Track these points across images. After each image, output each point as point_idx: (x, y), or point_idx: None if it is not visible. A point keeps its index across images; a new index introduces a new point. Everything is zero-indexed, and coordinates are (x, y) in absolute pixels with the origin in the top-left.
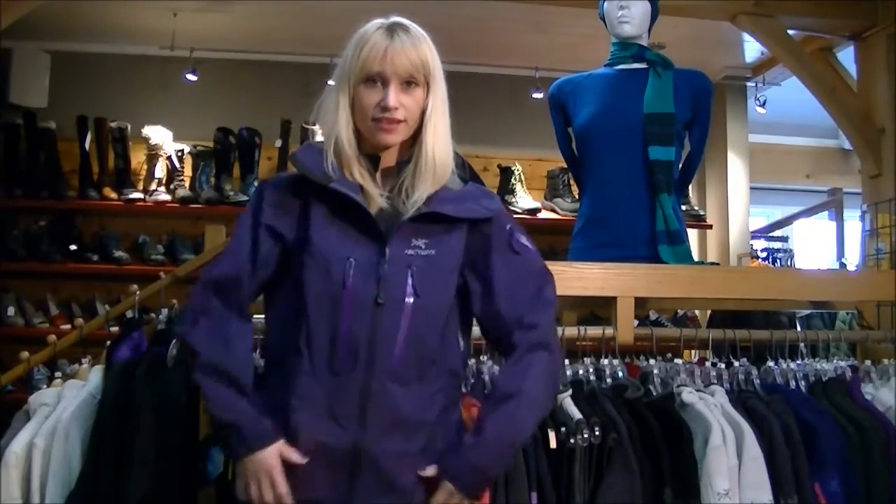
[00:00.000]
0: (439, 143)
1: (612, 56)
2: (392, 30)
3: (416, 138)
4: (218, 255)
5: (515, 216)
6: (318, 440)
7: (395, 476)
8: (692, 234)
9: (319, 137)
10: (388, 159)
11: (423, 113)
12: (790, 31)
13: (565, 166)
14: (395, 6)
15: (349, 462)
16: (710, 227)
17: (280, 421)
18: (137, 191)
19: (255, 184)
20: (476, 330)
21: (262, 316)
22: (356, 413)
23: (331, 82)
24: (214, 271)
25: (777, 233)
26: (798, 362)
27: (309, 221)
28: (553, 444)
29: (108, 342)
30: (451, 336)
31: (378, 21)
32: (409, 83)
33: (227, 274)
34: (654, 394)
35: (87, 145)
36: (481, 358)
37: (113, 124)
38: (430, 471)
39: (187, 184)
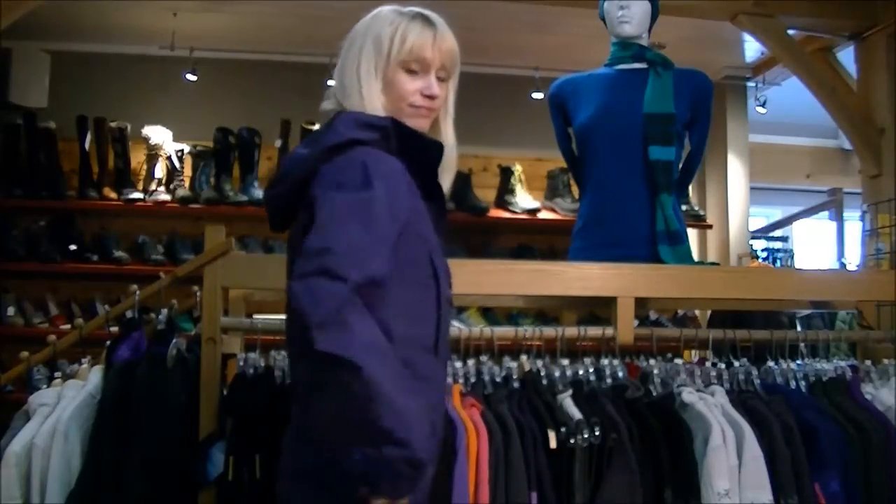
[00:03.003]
0: (453, 134)
1: (612, 56)
2: (429, 19)
3: None
4: (350, 235)
5: (515, 216)
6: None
7: None
8: (692, 234)
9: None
10: None
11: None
12: (790, 31)
13: (565, 166)
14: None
15: None
16: (710, 227)
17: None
18: (137, 191)
19: (255, 184)
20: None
21: (265, 316)
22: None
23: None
24: (373, 266)
25: (777, 233)
26: (798, 362)
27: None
28: (553, 445)
29: (108, 342)
30: None
31: (397, 7)
32: (437, 77)
33: (382, 275)
34: (654, 394)
35: (86, 145)
36: (481, 358)
37: (113, 124)
38: None
39: (187, 184)
